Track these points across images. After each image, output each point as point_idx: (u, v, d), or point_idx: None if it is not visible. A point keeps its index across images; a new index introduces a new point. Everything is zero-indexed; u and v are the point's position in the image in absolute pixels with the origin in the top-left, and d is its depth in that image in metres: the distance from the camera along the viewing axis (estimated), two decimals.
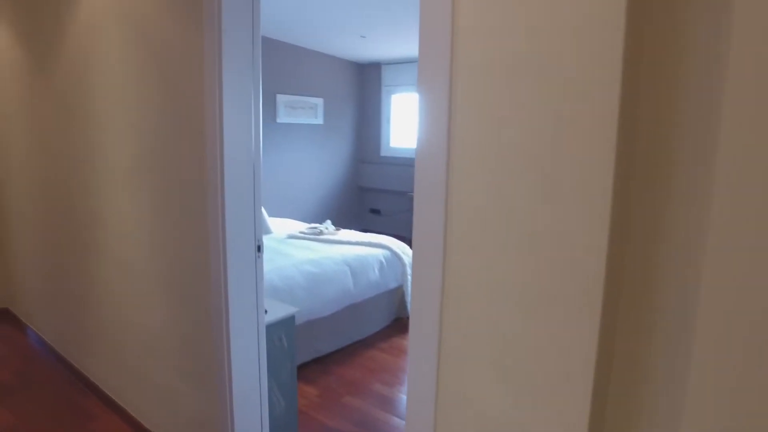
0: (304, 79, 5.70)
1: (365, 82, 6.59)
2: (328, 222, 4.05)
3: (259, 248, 1.72)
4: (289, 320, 2.17)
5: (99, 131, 2.20)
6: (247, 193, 1.63)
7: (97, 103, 2.18)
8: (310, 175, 5.95)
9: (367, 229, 6.83)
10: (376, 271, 3.40)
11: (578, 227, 0.82)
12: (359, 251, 3.44)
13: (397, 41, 5.16)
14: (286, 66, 5.44)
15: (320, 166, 6.09)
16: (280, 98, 5.41)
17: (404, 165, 6.32)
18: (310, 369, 2.96)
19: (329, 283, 3.03)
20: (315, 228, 4.01)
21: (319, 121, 5.98)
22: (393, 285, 3.57)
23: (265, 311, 2.13)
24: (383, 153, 6.56)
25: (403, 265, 3.61)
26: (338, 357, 3.13)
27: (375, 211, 6.75)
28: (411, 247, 1.18)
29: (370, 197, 6.77)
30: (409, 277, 3.71)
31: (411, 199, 6.02)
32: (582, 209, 0.82)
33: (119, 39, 1.97)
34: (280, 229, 4.10)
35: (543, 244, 0.87)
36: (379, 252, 3.52)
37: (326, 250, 3.40)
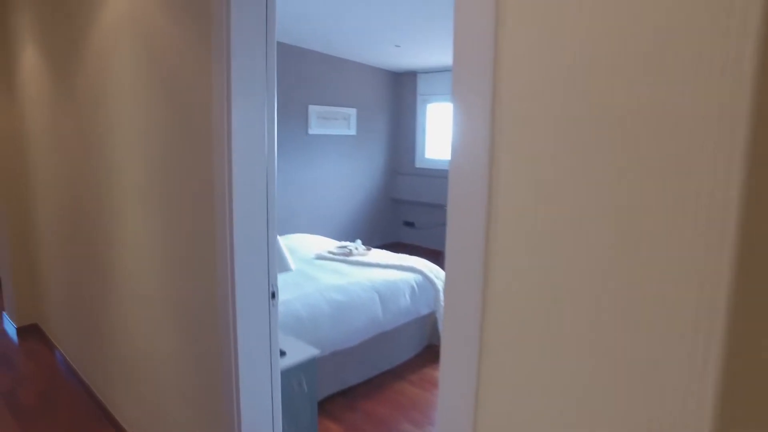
0: (337, 89, 5.57)
1: (400, 92, 6.42)
2: (359, 242, 3.89)
3: (273, 295, 1.56)
4: (310, 363, 2.01)
5: (114, 155, 2.10)
6: (259, 240, 1.47)
7: (112, 128, 2.08)
8: (342, 186, 5.81)
9: (400, 242, 6.64)
10: (407, 296, 3.20)
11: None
12: (389, 275, 3.26)
13: (433, 50, 4.96)
14: (319, 76, 5.33)
15: (353, 178, 5.95)
16: (312, 109, 5.30)
17: (440, 177, 6.10)
18: (335, 403, 2.79)
19: (357, 311, 2.86)
20: (344, 247, 3.85)
21: (352, 131, 5.84)
22: (425, 311, 3.37)
23: (283, 353, 1.98)
24: (418, 164, 6.37)
25: (436, 290, 3.40)
26: (365, 389, 2.95)
27: (409, 224, 6.55)
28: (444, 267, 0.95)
29: (404, 209, 6.58)
30: (443, 303, 3.50)
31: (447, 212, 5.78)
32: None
33: (129, 56, 1.86)
34: (309, 247, 3.97)
35: (625, 273, 0.66)
36: (410, 276, 3.32)
37: (355, 275, 3.23)
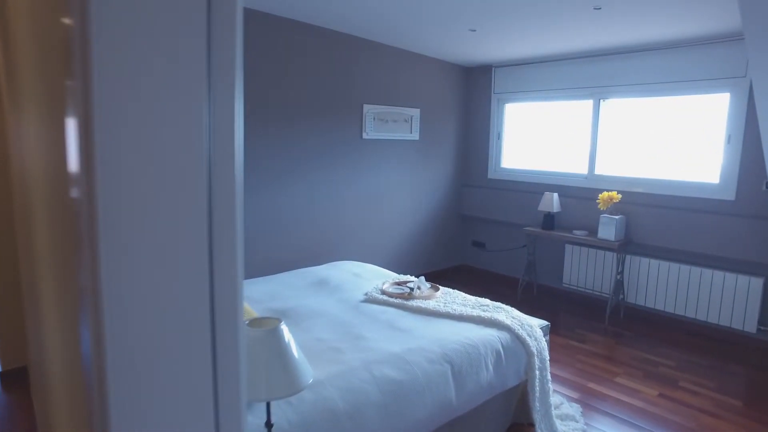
0: (398, 86, 4.73)
1: (472, 90, 5.48)
2: (422, 279, 3.00)
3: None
4: None
5: None
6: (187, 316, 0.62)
7: None
8: (401, 199, 4.95)
9: (466, 264, 5.68)
10: (491, 367, 2.28)
11: None
12: (465, 333, 2.34)
13: (513, 36, 4.00)
14: (376, 71, 4.50)
15: (414, 190, 5.07)
16: (368, 109, 4.48)
17: (517, 190, 5.10)
18: None
19: (420, 395, 1.97)
20: (403, 286, 2.98)
21: (415, 136, 4.97)
22: (512, 383, 2.43)
23: None
24: (492, 175, 5.39)
25: (529, 353, 2.45)
26: None
27: (479, 245, 5.58)
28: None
29: (474, 227, 5.62)
30: (537, 372, 2.54)
31: (528, 234, 4.80)
32: None
33: None
34: (357, 282, 3.13)
35: None
36: (493, 335, 2.39)
37: (418, 331, 2.34)
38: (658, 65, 4.06)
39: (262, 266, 3.81)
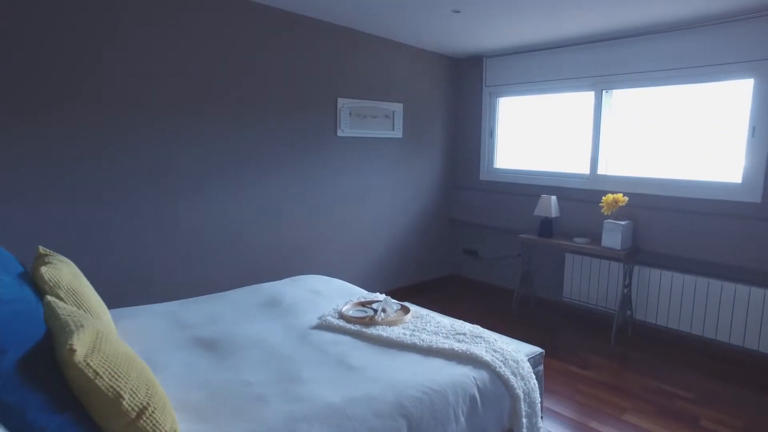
0: (378, 79, 4.25)
1: (461, 83, 4.99)
2: (388, 300, 2.50)
3: None
4: None
5: None
6: None
7: None
8: (383, 203, 4.47)
9: (457, 275, 5.18)
10: (462, 419, 1.78)
11: None
12: (433, 375, 1.85)
13: (503, 19, 3.52)
14: (351, 62, 4.03)
15: (398, 192, 4.59)
16: (344, 104, 4.01)
17: (513, 193, 4.60)
18: None
19: None
20: (367, 308, 2.49)
21: (398, 133, 4.49)
22: None
23: None
24: (484, 176, 4.90)
25: (514, 397, 1.95)
26: None
27: (470, 252, 5.08)
28: None
29: (465, 234, 5.12)
30: (525, 419, 2.01)
31: (523, 242, 4.29)
32: None
33: None
34: (316, 302, 2.64)
35: None
36: (468, 375, 1.89)
37: (371, 369, 1.85)
38: (669, 49, 3.57)
39: (217, 280, 3.33)
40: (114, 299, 2.71)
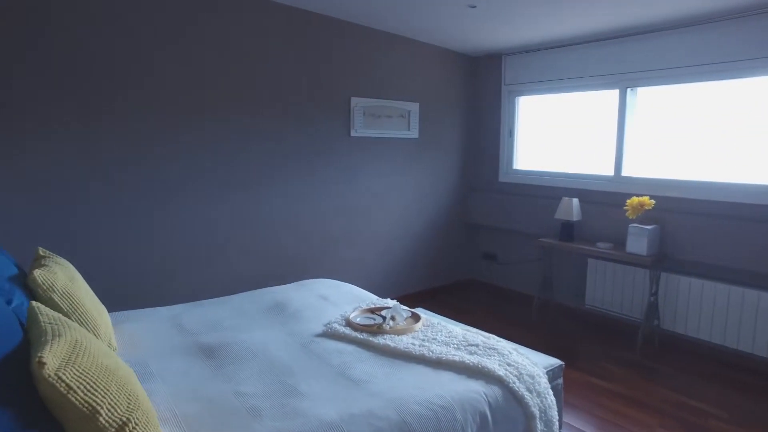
0: (392, 78, 4.15)
1: (479, 81, 4.85)
2: (397, 306, 2.39)
3: None
4: None
5: None
6: None
7: None
8: (398, 205, 4.35)
9: (476, 279, 5.03)
10: None
11: None
12: (439, 390, 1.72)
13: (521, 13, 3.37)
14: (365, 60, 3.93)
15: (413, 195, 4.47)
16: (357, 103, 3.91)
17: (533, 195, 4.44)
18: None
19: None
20: (375, 315, 2.38)
21: (413, 134, 4.37)
22: None
23: None
24: (503, 178, 4.74)
25: (529, 416, 1.81)
26: None
27: (489, 257, 4.93)
28: None
29: (483, 237, 4.97)
30: None
31: (542, 247, 4.13)
32: None
33: None
34: (324, 309, 2.54)
35: None
36: (479, 391, 1.76)
37: (374, 383, 1.74)
38: (698, 44, 3.37)
39: (226, 283, 3.26)
40: (123, 301, 2.67)
